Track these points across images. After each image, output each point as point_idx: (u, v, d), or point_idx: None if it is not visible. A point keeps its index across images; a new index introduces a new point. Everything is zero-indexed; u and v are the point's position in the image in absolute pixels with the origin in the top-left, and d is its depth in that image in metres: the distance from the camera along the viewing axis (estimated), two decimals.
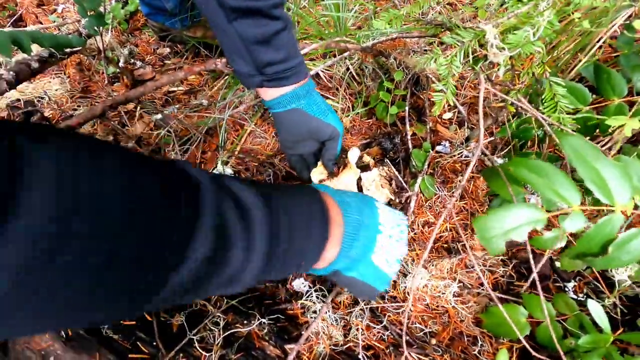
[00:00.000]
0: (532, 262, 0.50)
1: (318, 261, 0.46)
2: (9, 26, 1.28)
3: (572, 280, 0.68)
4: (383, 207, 0.55)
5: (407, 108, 0.91)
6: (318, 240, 0.44)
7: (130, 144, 0.93)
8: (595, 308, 0.54)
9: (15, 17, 1.32)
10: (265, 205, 0.37)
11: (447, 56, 0.57)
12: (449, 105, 1.02)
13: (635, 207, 0.38)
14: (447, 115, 1.01)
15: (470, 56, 0.58)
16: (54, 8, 1.38)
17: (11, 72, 0.83)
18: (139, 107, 1.10)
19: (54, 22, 1.19)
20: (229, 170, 0.89)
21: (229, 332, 0.55)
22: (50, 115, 1.08)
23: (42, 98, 1.09)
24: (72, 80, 1.15)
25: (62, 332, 0.55)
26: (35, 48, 1.09)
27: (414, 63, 0.93)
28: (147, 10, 1.09)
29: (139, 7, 1.27)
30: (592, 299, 0.64)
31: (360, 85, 1.06)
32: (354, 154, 0.75)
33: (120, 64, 1.16)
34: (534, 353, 0.51)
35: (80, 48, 1.06)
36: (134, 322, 0.56)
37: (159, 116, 1.06)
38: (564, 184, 0.39)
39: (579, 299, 0.66)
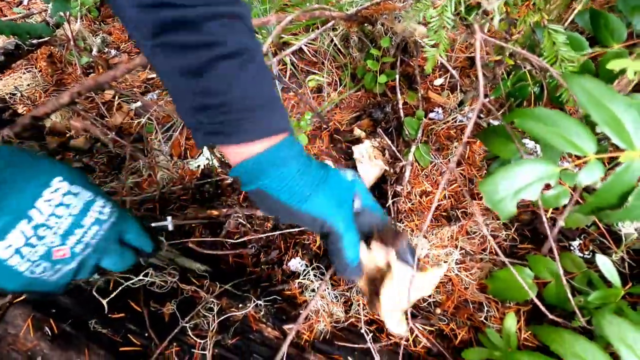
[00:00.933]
0: (544, 220, 0.47)
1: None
2: None
3: (577, 239, 0.66)
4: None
5: (397, 76, 0.87)
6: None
7: (111, 135, 0.89)
8: (603, 262, 0.51)
9: None
10: None
11: (438, 6, 0.53)
12: (440, 70, 0.99)
13: None
14: (439, 82, 0.97)
15: (463, 6, 0.54)
16: (20, 0, 1.31)
17: None
18: (117, 97, 1.05)
19: (19, 14, 1.13)
20: (216, 162, 0.85)
21: (223, 317, 0.52)
22: (24, 112, 1.03)
23: (14, 94, 1.04)
24: (44, 74, 1.09)
25: (48, 331, 0.52)
26: (1, 41, 1.04)
27: (402, 28, 0.88)
28: None
29: None
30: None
31: (346, 57, 1.02)
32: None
33: (94, 53, 1.11)
34: (545, 311, 0.49)
35: (49, 38, 1.00)
36: (123, 315, 0.53)
37: (139, 104, 1.01)
38: (577, 131, 0.36)
39: (585, 256, 0.64)
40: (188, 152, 0.93)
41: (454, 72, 0.84)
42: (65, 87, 1.08)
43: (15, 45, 0.92)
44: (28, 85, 1.05)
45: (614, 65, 0.56)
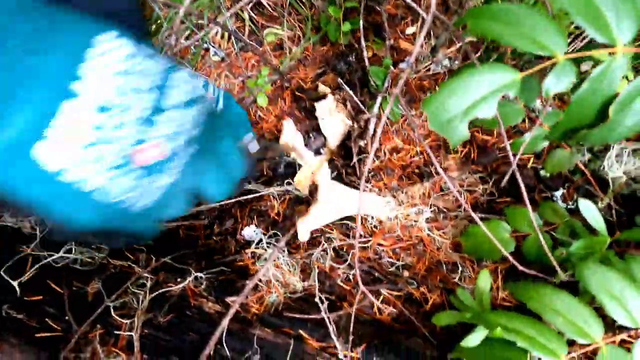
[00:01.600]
0: (511, 158, 0.40)
1: None
2: None
3: (561, 188, 0.60)
4: None
5: (360, 21, 0.78)
6: None
7: None
8: (587, 207, 0.45)
9: None
10: None
11: None
12: (411, 18, 0.90)
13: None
14: (410, 30, 0.88)
15: None
16: None
17: None
18: None
19: None
20: None
21: (157, 292, 0.45)
22: None
23: None
24: None
25: None
26: None
27: None
28: None
29: None
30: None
31: (309, 8, 0.92)
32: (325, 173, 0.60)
33: None
34: (521, 268, 0.43)
35: None
36: (40, 297, 0.46)
37: None
38: (545, 27, 0.28)
39: (569, 207, 0.58)
40: None
41: (424, 14, 0.75)
42: None
43: None
44: None
45: None
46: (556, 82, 0.29)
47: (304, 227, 0.53)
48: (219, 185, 0.27)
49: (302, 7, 0.90)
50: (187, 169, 0.24)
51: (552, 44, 0.29)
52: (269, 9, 0.94)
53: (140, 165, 0.21)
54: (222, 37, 0.89)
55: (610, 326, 0.39)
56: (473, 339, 0.40)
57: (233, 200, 0.67)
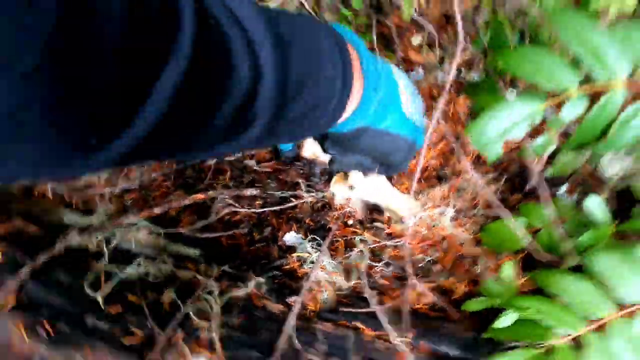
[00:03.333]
0: (534, 165, 0.48)
1: (343, 110, 0.36)
2: None
3: (563, 186, 0.68)
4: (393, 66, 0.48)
5: (373, 36, 0.84)
6: (340, 74, 0.33)
7: None
8: (594, 202, 0.53)
9: None
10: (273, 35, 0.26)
11: None
12: (416, 28, 0.96)
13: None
14: (417, 41, 0.95)
15: None
16: None
17: None
18: None
19: None
20: None
21: (225, 297, 0.52)
22: None
23: None
24: None
25: (43, 332, 0.50)
26: None
27: None
28: None
29: None
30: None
31: (320, 20, 0.97)
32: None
33: None
34: (537, 258, 0.51)
35: None
36: (120, 308, 0.52)
37: None
38: (560, 67, 0.35)
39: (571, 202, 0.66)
40: None
41: (430, 27, 0.82)
42: None
43: None
44: None
45: (596, 4, 0.55)
46: (570, 112, 0.36)
47: (340, 189, 0.61)
48: None
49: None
50: None
51: (567, 80, 0.36)
52: None
53: None
54: None
55: (618, 304, 0.46)
56: (505, 321, 0.47)
57: (268, 209, 0.73)
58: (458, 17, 0.46)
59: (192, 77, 0.21)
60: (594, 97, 0.35)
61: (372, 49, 0.87)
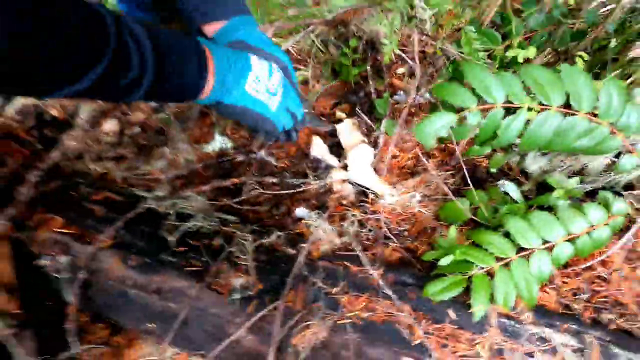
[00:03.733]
0: (458, 153, 0.72)
1: (202, 89, 0.54)
2: None
3: (502, 179, 0.92)
4: (255, 57, 0.62)
5: (368, 68, 1.10)
6: (196, 73, 0.53)
7: (136, 129, 1.09)
8: (510, 187, 0.77)
9: None
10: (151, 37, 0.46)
11: (389, 18, 0.77)
12: (401, 61, 1.22)
13: (510, 102, 0.60)
14: (401, 70, 1.20)
15: (406, 17, 0.77)
16: None
17: None
18: None
19: None
20: (229, 143, 1.06)
21: (257, 243, 0.75)
22: (58, 115, 1.20)
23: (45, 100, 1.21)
24: None
25: (132, 262, 0.73)
26: None
27: (369, 29, 1.11)
28: (127, 8, 1.21)
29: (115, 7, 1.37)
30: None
31: (326, 54, 1.24)
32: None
33: None
34: (475, 225, 0.74)
35: None
36: (184, 248, 0.75)
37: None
38: (467, 94, 0.60)
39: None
40: (203, 138, 1.13)
41: (411, 62, 1.08)
42: None
43: None
44: None
45: (512, 53, 0.82)
46: (472, 119, 0.61)
47: (338, 174, 0.89)
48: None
49: (321, 53, 1.22)
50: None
51: (469, 101, 0.60)
52: (295, 54, 1.26)
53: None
54: None
55: (519, 249, 0.70)
56: (446, 260, 0.70)
57: (284, 192, 0.97)
58: (417, 66, 0.72)
59: (113, 62, 0.42)
60: (485, 112, 0.60)
61: (365, 77, 1.13)
